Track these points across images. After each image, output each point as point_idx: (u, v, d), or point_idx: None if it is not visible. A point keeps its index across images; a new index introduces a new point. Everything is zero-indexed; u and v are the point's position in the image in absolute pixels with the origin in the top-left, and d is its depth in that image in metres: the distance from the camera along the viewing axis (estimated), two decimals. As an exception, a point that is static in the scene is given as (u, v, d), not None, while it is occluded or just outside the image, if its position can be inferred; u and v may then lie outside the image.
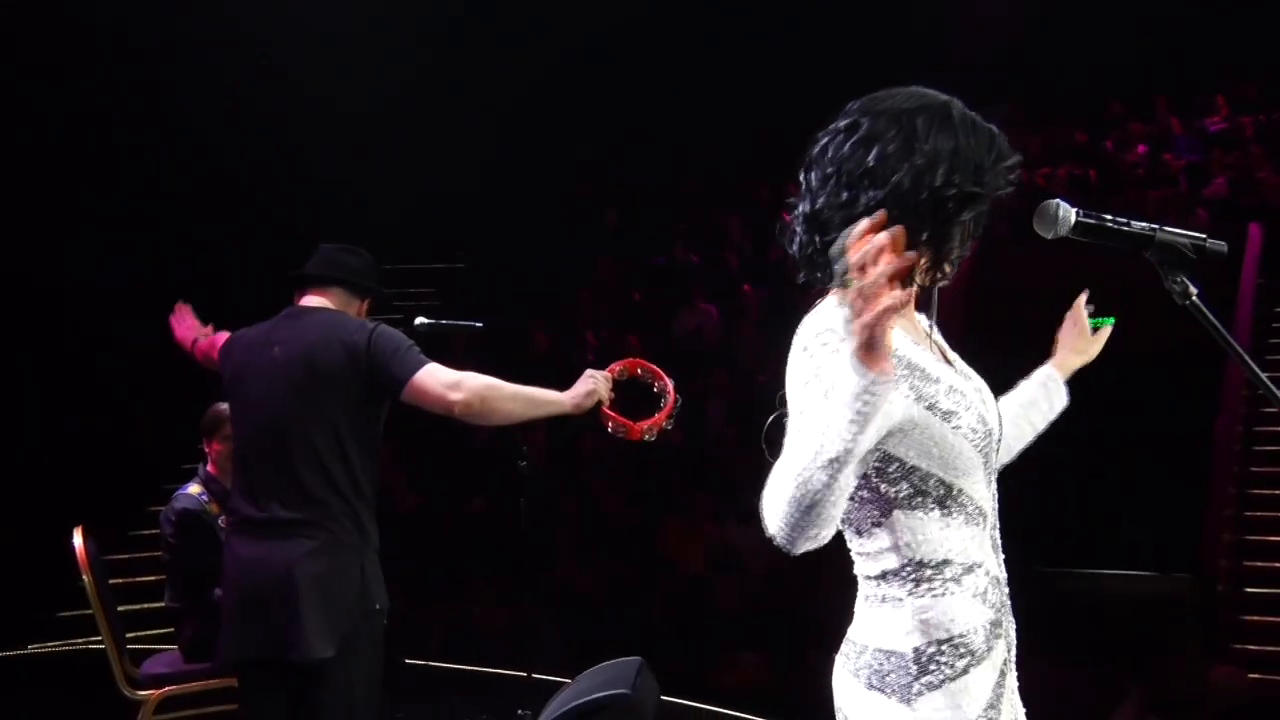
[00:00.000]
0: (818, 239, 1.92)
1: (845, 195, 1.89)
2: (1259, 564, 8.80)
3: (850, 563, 2.01)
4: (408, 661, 6.62)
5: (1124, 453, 9.29)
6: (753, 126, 12.65)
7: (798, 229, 1.97)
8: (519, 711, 5.59)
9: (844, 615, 2.03)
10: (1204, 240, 2.01)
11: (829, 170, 1.92)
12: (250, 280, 10.25)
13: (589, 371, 3.81)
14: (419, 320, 5.09)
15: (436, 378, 3.63)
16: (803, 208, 1.96)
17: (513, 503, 5.84)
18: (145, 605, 6.32)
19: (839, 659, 1.98)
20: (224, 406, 5.00)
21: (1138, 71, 12.82)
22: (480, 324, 5.16)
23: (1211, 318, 1.96)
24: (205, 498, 5.03)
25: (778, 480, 1.68)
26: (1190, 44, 12.48)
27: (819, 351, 1.79)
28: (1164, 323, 9.73)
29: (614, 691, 4.47)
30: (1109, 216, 2.00)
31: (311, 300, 3.90)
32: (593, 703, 4.42)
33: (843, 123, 1.95)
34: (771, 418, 2.00)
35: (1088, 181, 12.27)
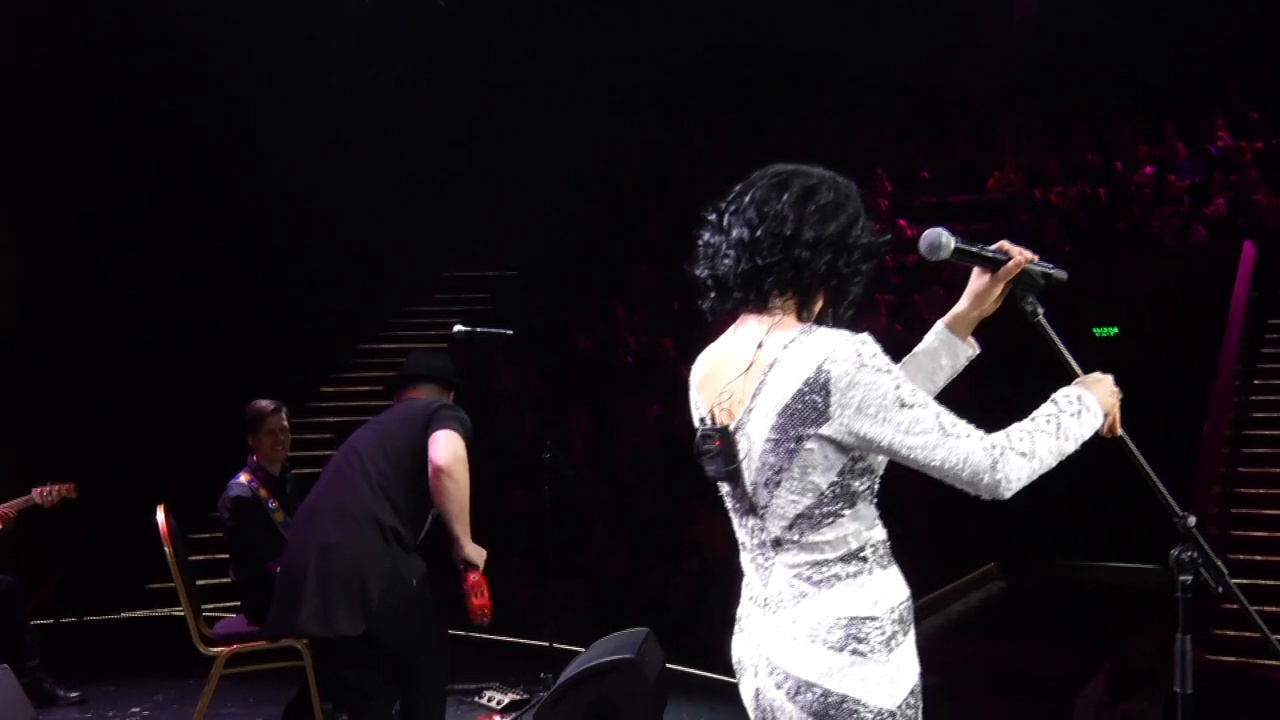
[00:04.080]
0: (758, 260, 2.15)
1: (789, 230, 2.15)
2: (1242, 558, 8.96)
3: None
4: (450, 633, 6.97)
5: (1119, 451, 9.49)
6: (790, 143, 12.92)
7: (728, 253, 2.19)
8: (541, 675, 5.98)
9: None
10: (1050, 268, 2.31)
11: (769, 209, 2.16)
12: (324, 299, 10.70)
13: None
14: (456, 328, 5.49)
15: (441, 443, 4.36)
16: (738, 234, 2.18)
17: (545, 491, 6.24)
18: (221, 580, 6.70)
19: (795, 642, 2.11)
20: (263, 403, 5.50)
21: (1147, 95, 12.94)
22: (510, 331, 5.56)
23: (1053, 335, 2.26)
24: (254, 484, 5.46)
25: (1030, 458, 2.07)
26: (1197, 70, 12.60)
27: (877, 362, 2.04)
28: (1156, 331, 9.92)
29: (620, 656, 4.83)
30: (977, 246, 2.30)
31: (410, 395, 4.71)
32: (600, 666, 4.79)
33: (773, 179, 2.22)
34: (701, 431, 2.29)
35: (1098, 199, 12.43)
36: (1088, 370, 2.30)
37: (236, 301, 10.01)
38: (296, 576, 4.47)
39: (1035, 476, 2.09)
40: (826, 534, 2.12)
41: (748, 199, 2.21)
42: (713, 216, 2.26)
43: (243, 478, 5.51)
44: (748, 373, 2.16)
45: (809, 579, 2.13)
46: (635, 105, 13.43)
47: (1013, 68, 13.42)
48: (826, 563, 2.12)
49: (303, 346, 10.67)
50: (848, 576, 2.12)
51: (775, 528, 2.16)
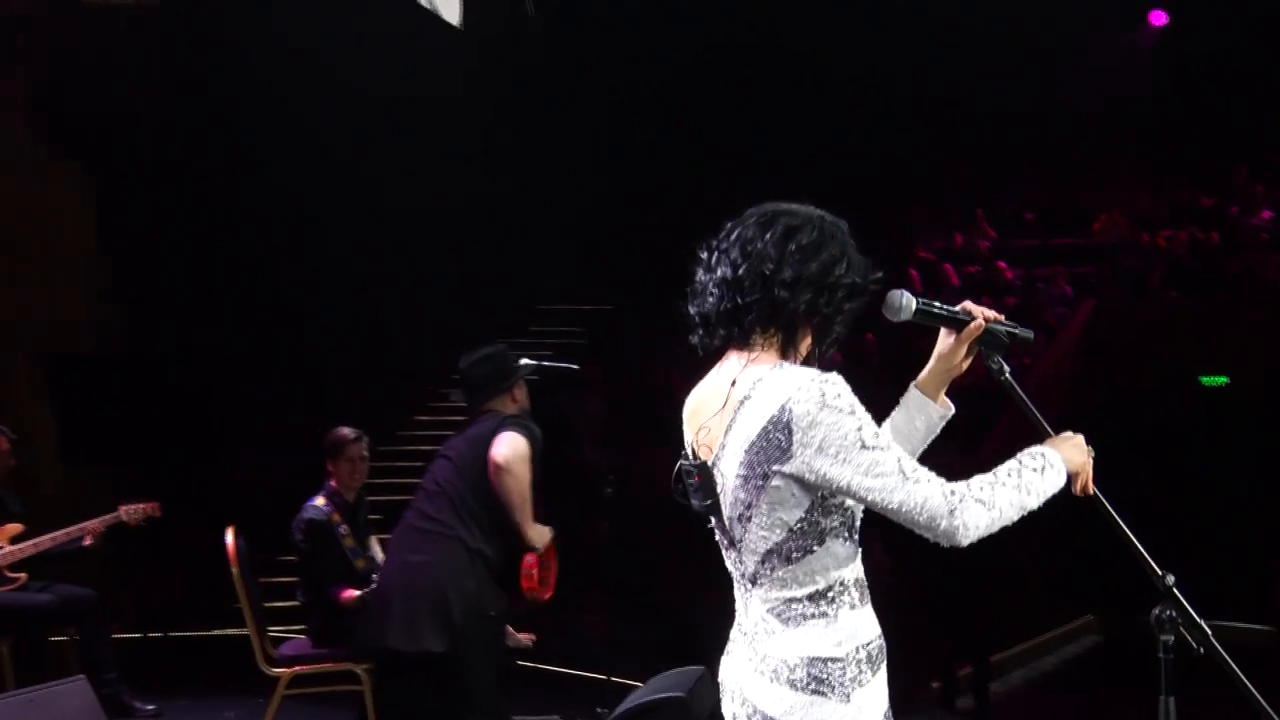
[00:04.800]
0: (738, 299, 2.21)
1: (769, 269, 2.19)
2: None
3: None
4: (519, 663, 7.07)
5: (1219, 506, 9.23)
6: (889, 189, 12.94)
7: (713, 291, 2.25)
8: (598, 710, 6.03)
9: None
10: (1016, 328, 2.33)
11: (752, 248, 2.22)
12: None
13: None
14: (523, 361, 5.61)
15: (502, 442, 4.60)
16: (722, 273, 2.24)
17: (622, 526, 6.31)
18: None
19: (763, 677, 2.17)
20: (345, 431, 5.65)
21: (1264, 138, 12.60)
22: (576, 366, 5.68)
23: (1021, 393, 2.27)
24: (329, 508, 5.62)
25: (990, 508, 2.10)
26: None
27: (840, 402, 2.07)
28: (1269, 380, 9.56)
29: (670, 694, 4.85)
30: (940, 305, 2.31)
31: (482, 411, 4.87)
32: (650, 703, 4.82)
33: (759, 218, 2.27)
34: (680, 463, 2.36)
35: (1209, 243, 12.11)
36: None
37: (331, 329, 10.24)
38: (385, 593, 4.75)
39: (995, 527, 2.13)
40: (796, 571, 2.17)
41: (734, 237, 2.27)
42: (704, 254, 2.32)
43: (318, 501, 5.70)
44: (723, 409, 2.23)
45: (779, 615, 2.18)
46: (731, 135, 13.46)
47: (1122, 108, 13.20)
48: (796, 600, 2.17)
49: (398, 375, 10.91)
50: (815, 616, 2.16)
51: (750, 563, 2.22)
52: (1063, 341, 10.85)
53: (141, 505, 6.10)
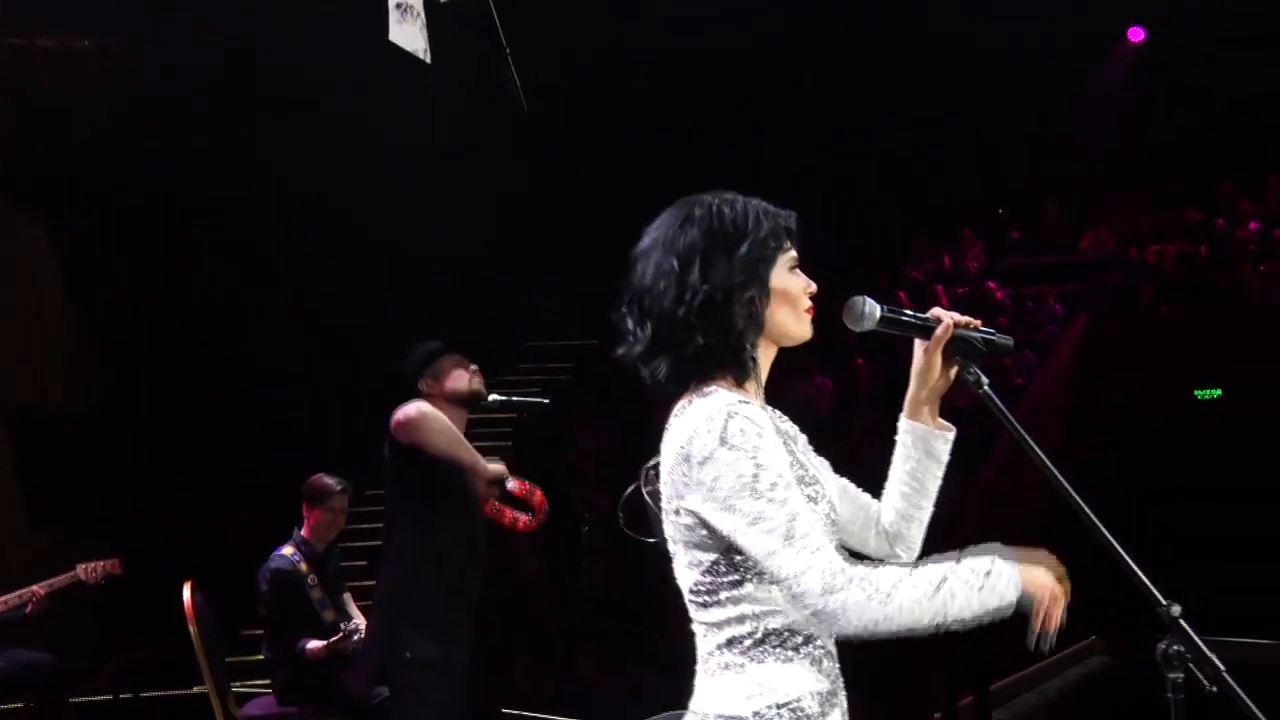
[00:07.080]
0: (660, 370, 2.00)
1: (665, 332, 1.98)
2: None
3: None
4: (504, 711, 6.80)
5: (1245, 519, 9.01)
6: (871, 215, 12.74)
7: (643, 364, 2.04)
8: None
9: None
10: (993, 334, 2.06)
11: (644, 306, 2.01)
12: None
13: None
14: (491, 396, 5.32)
15: (399, 411, 4.23)
16: (637, 350, 2.04)
17: (628, 571, 6.02)
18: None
19: None
20: (329, 480, 5.32)
21: (1249, 152, 12.42)
22: (547, 401, 5.40)
23: (1001, 406, 2.00)
24: (297, 558, 5.33)
25: (883, 603, 1.82)
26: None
27: (742, 441, 1.87)
28: (1264, 392, 9.30)
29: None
30: (909, 312, 2.06)
31: None
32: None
33: (635, 274, 2.05)
34: (630, 489, 2.16)
35: (1198, 257, 11.90)
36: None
37: (304, 379, 9.87)
38: None
39: (889, 626, 1.85)
40: (715, 614, 1.96)
41: (629, 301, 2.04)
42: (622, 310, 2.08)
43: (286, 550, 5.40)
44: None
45: (702, 662, 2.00)
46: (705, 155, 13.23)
47: (1105, 123, 13.04)
48: (718, 648, 1.97)
49: (380, 417, 10.60)
50: (727, 666, 1.95)
51: (686, 600, 2.03)
52: (1056, 360, 10.63)
53: (101, 563, 5.78)
